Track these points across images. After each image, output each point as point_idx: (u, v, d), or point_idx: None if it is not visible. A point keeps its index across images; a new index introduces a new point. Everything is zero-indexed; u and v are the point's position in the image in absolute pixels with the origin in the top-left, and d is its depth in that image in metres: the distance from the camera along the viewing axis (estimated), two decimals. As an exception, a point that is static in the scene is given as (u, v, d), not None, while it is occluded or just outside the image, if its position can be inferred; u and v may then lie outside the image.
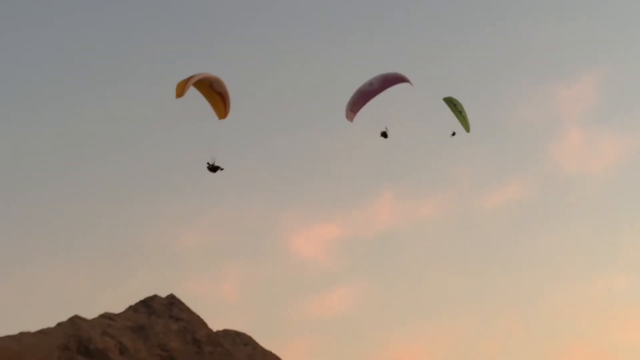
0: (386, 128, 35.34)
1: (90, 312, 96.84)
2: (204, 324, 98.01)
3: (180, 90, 29.58)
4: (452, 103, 41.60)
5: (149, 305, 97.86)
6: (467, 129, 42.07)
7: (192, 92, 30.96)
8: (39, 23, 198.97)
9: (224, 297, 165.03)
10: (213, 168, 33.13)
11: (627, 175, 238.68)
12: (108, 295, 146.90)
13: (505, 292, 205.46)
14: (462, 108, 41.59)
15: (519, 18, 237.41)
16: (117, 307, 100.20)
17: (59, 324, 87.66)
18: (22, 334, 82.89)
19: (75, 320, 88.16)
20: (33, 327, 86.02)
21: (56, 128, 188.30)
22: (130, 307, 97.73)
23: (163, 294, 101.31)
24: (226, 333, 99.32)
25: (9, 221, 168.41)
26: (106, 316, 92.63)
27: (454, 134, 42.62)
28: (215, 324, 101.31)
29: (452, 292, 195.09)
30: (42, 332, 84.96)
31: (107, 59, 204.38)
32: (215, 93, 31.43)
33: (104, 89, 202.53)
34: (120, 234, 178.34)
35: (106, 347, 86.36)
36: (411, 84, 32.60)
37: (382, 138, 35.86)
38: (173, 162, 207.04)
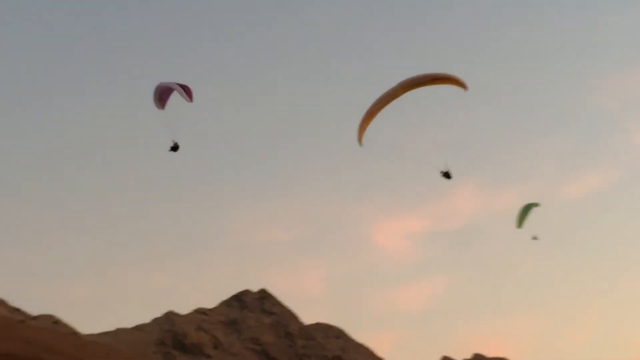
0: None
1: (184, 308, 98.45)
2: (295, 318, 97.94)
3: (360, 138, 32.13)
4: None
5: (241, 300, 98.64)
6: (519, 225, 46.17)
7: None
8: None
9: (310, 290, 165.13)
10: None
11: None
12: (201, 291, 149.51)
13: (589, 283, 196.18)
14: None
15: (599, 1, 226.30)
16: (211, 302, 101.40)
17: (154, 320, 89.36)
18: (118, 330, 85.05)
19: (170, 316, 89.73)
20: (130, 324, 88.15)
21: (142, 128, 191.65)
22: (223, 302, 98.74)
23: (253, 288, 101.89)
24: (318, 326, 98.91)
25: (107, 223, 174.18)
26: (200, 311, 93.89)
27: (535, 238, 46.69)
28: (304, 317, 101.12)
29: (535, 283, 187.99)
30: (138, 328, 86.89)
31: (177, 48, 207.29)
32: (429, 82, 32.02)
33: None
34: (209, 233, 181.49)
35: (201, 342, 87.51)
36: (188, 100, 32.39)
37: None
38: (257, 161, 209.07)
